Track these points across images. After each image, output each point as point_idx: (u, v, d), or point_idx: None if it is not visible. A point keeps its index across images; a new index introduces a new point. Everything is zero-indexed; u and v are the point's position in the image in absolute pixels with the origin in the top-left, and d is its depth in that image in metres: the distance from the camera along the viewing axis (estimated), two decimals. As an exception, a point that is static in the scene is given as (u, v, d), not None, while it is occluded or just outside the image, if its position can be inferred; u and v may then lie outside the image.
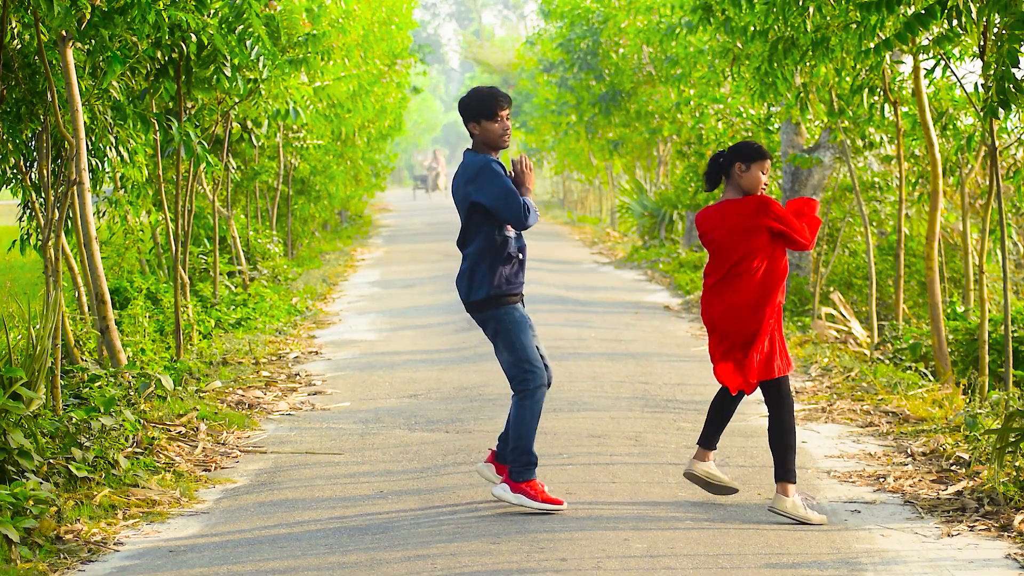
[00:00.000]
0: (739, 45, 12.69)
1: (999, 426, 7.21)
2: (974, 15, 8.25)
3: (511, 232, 6.63)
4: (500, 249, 6.60)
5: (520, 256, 6.66)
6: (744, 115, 18.16)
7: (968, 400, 9.15)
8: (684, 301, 16.68)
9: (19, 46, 8.73)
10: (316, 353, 12.31)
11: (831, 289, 14.99)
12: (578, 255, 24.87)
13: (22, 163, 9.30)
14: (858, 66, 11.03)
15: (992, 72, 8.20)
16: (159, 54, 9.77)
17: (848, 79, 11.70)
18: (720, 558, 5.75)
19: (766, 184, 6.54)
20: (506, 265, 6.60)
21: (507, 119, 6.54)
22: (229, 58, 9.86)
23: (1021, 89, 8.04)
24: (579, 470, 7.42)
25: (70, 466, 6.92)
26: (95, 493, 6.83)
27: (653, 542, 5.97)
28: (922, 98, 10.89)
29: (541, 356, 6.67)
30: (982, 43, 8.66)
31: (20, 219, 9.99)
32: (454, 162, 69.08)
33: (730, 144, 18.05)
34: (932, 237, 11.14)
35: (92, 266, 9.23)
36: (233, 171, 15.76)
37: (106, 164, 9.94)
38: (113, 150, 9.89)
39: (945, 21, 8.63)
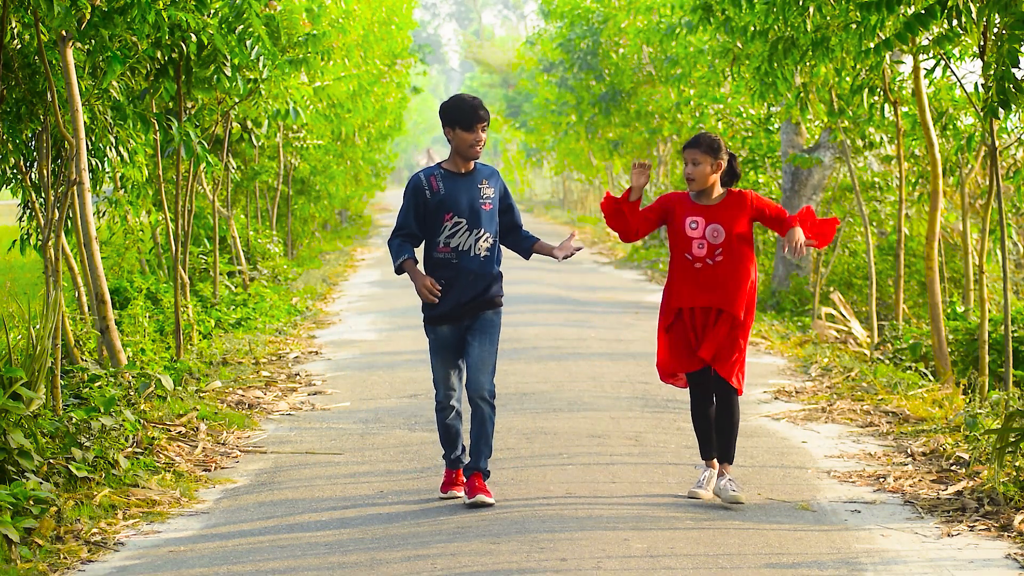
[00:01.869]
0: (739, 45, 12.69)
1: (999, 426, 7.21)
2: (974, 15, 8.25)
3: (442, 253, 6.67)
4: (427, 266, 6.77)
5: (443, 283, 6.65)
6: (744, 115, 18.17)
7: (968, 400, 9.14)
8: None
9: (19, 46, 8.73)
10: (316, 353, 12.31)
11: (831, 289, 14.99)
12: (578, 255, 24.87)
13: (22, 163, 9.30)
14: (858, 66, 11.03)
15: (992, 72, 8.20)
16: (159, 54, 9.77)
17: (848, 79, 11.70)
18: (720, 558, 5.75)
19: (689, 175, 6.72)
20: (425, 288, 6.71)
21: (482, 132, 6.65)
22: (229, 58, 9.86)
23: (1021, 89, 8.04)
24: (579, 470, 7.42)
25: (70, 466, 6.92)
26: (95, 493, 6.82)
27: (653, 542, 5.97)
28: (922, 98, 10.89)
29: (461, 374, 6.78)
30: (982, 43, 8.66)
31: (20, 219, 9.99)
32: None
33: (730, 144, 18.14)
34: (932, 237, 11.14)
35: (92, 266, 9.23)
36: (233, 171, 15.76)
37: (106, 164, 9.94)
38: (113, 150, 9.89)
39: (945, 21, 8.63)
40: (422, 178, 6.69)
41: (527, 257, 6.99)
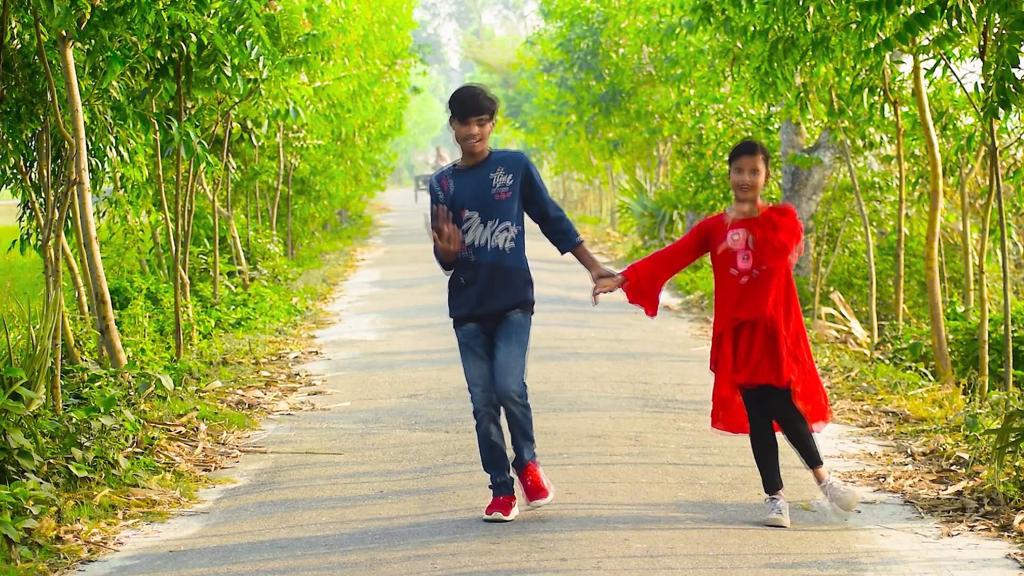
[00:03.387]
0: (739, 45, 12.69)
1: (999, 426, 7.21)
2: (974, 15, 8.25)
3: (463, 252, 6.39)
4: (456, 268, 6.49)
5: (463, 282, 6.41)
6: (744, 115, 18.16)
7: (968, 400, 9.14)
8: (684, 301, 16.68)
9: (19, 46, 8.73)
10: (316, 353, 12.31)
11: (831, 289, 14.99)
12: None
13: (22, 163, 9.30)
14: (858, 66, 11.03)
15: (992, 72, 8.20)
16: (159, 54, 9.77)
17: (848, 79, 11.70)
18: (720, 558, 5.75)
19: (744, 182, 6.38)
20: (454, 287, 6.49)
21: (477, 125, 6.24)
22: (229, 58, 9.86)
23: (1021, 89, 8.04)
24: (579, 470, 7.42)
25: (70, 466, 6.92)
26: (95, 493, 6.82)
27: (653, 542, 5.97)
28: (922, 98, 10.89)
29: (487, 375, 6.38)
30: (982, 43, 8.66)
31: (20, 219, 9.99)
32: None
33: (730, 144, 18.14)
34: (932, 237, 11.14)
35: (92, 266, 9.23)
36: (233, 171, 15.77)
37: (106, 164, 9.94)
38: (113, 150, 9.90)
39: (945, 21, 8.63)
40: (434, 181, 6.49)
41: (562, 252, 6.69)
